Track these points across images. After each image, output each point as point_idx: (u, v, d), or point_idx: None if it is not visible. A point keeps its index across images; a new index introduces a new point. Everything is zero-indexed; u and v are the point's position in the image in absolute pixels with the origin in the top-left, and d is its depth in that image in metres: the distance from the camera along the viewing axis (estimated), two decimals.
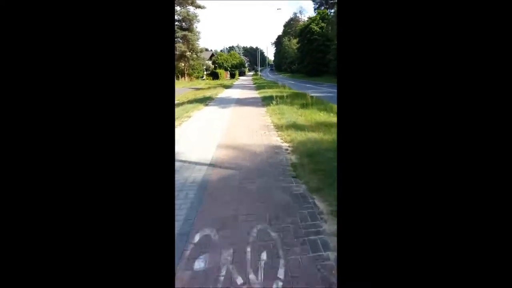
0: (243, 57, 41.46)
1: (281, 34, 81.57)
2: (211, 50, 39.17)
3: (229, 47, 43.69)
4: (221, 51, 43.04)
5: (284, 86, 15.11)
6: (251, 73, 65.82)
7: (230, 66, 35.11)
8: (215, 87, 17.39)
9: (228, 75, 33.84)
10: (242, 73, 49.92)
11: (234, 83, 23.52)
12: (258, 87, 17.56)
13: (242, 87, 18.73)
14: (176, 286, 1.36)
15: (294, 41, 68.76)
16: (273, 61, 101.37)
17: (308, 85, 19.33)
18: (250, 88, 17.38)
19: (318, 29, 29.58)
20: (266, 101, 9.23)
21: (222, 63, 34.22)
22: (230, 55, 36.82)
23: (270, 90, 13.56)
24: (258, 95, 12.04)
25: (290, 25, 76.94)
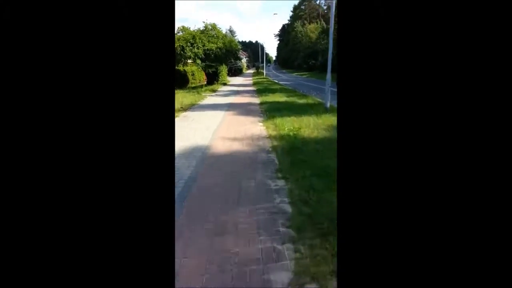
0: (236, 41, 18.73)
1: (288, 22, 63.11)
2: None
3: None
4: None
5: None
6: (251, 70, 47.46)
7: (202, 53, 14.34)
8: None
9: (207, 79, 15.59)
10: (237, 71, 30.86)
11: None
12: None
13: None
14: (176, 286, 1.37)
15: (312, 26, 50.35)
16: (276, 56, 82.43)
17: None
18: None
19: None
20: None
21: (183, 48, 13.83)
22: (205, 32, 14.87)
23: None
24: None
25: (301, 9, 58.68)
